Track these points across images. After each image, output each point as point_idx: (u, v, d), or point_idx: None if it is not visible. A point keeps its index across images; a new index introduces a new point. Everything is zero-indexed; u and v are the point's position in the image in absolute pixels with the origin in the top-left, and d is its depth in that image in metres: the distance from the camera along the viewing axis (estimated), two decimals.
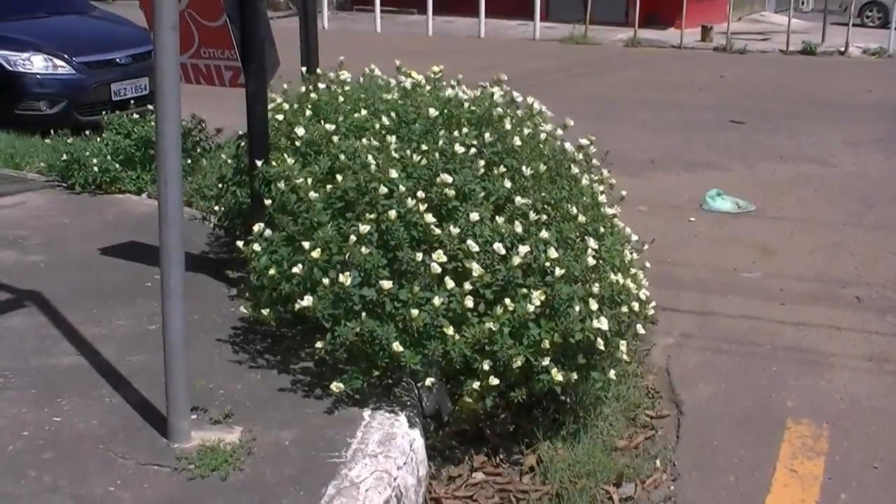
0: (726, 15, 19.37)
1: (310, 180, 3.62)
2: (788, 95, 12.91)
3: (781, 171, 8.66)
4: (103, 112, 6.91)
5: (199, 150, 6.40)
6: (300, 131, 3.90)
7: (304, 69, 4.84)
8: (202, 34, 4.40)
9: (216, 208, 4.94)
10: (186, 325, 3.12)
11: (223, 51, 4.36)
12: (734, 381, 4.47)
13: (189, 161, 6.10)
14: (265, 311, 3.51)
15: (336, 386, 3.36)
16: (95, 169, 6.23)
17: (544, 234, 3.52)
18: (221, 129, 6.54)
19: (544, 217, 3.70)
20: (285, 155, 3.86)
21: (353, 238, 3.31)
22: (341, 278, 3.29)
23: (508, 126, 4.06)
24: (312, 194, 3.55)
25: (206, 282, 4.61)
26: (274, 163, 3.88)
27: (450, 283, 3.34)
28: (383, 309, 3.33)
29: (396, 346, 3.26)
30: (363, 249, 3.32)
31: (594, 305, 3.41)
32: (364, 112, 4.13)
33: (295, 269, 3.42)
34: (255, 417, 3.30)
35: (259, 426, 3.24)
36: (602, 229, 3.96)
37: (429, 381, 3.40)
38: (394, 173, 3.54)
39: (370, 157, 3.63)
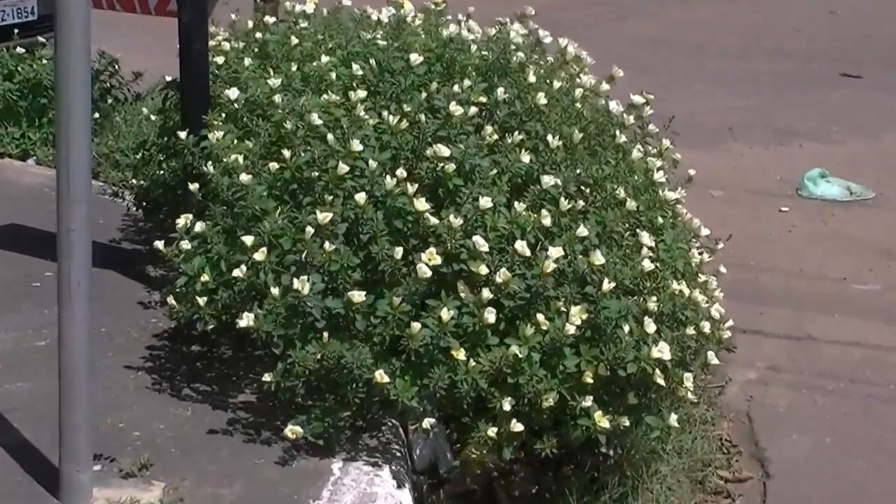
0: None
1: (241, 158, 3.68)
2: None
3: None
4: None
5: (109, 100, 6.39)
6: (232, 94, 3.97)
7: None
8: None
9: (133, 181, 4.97)
10: (91, 340, 3.10)
11: None
12: (842, 434, 4.47)
13: (97, 115, 6.07)
14: (201, 301, 3.56)
15: (292, 430, 3.39)
16: None
17: (582, 229, 3.56)
18: (141, 74, 6.51)
19: (581, 203, 3.74)
20: (216, 123, 3.93)
21: (310, 230, 3.38)
22: (296, 284, 3.33)
23: (532, 78, 4.07)
24: (245, 177, 3.61)
25: (119, 282, 4.60)
26: (213, 128, 3.92)
27: (463, 291, 3.41)
28: (353, 326, 3.39)
29: (380, 376, 3.30)
30: (326, 245, 3.39)
31: (651, 327, 3.45)
32: (327, 59, 4.15)
33: (236, 273, 3.45)
34: (183, 469, 3.31)
35: (188, 481, 3.25)
36: (660, 219, 4.01)
37: (427, 422, 3.43)
38: (358, 145, 3.58)
39: (322, 122, 3.68)
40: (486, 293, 3.34)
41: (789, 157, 8.10)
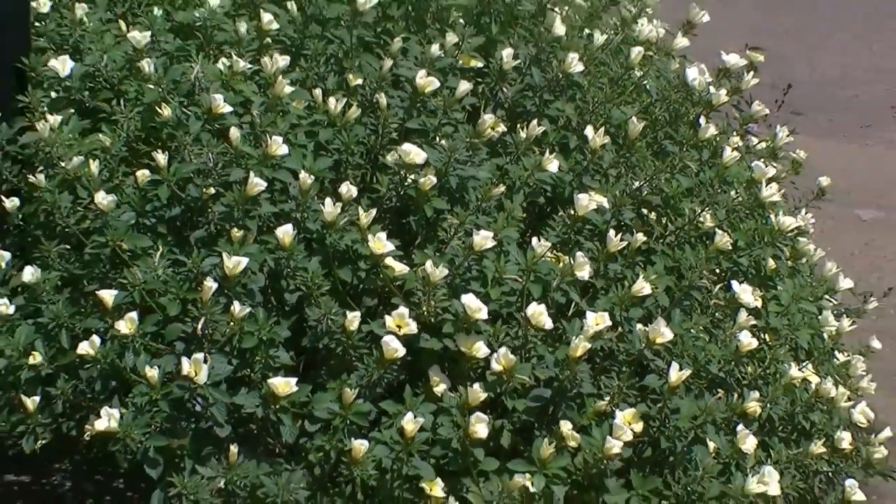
0: None
1: (94, 164, 3.70)
2: None
3: None
4: None
5: None
6: (61, 66, 4.02)
7: None
8: None
9: None
10: None
11: None
12: None
13: None
14: (30, 403, 3.56)
15: None
16: None
17: (642, 283, 3.65)
18: None
19: (641, 238, 3.83)
20: (45, 109, 3.95)
21: (209, 285, 3.46)
22: (186, 368, 3.39)
23: (559, 28, 4.17)
24: (104, 197, 3.63)
25: None
26: (39, 115, 3.94)
27: (438, 385, 3.52)
28: (278, 435, 3.49)
29: None
30: (234, 308, 3.46)
31: (750, 443, 3.55)
32: (217, 2, 4.21)
33: (84, 349, 3.50)
34: None
35: None
36: (772, 262, 4.13)
37: None
38: (281, 147, 3.63)
39: (224, 105, 3.74)
40: (478, 390, 3.44)
41: None
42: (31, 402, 3.55)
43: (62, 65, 4.01)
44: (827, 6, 10.52)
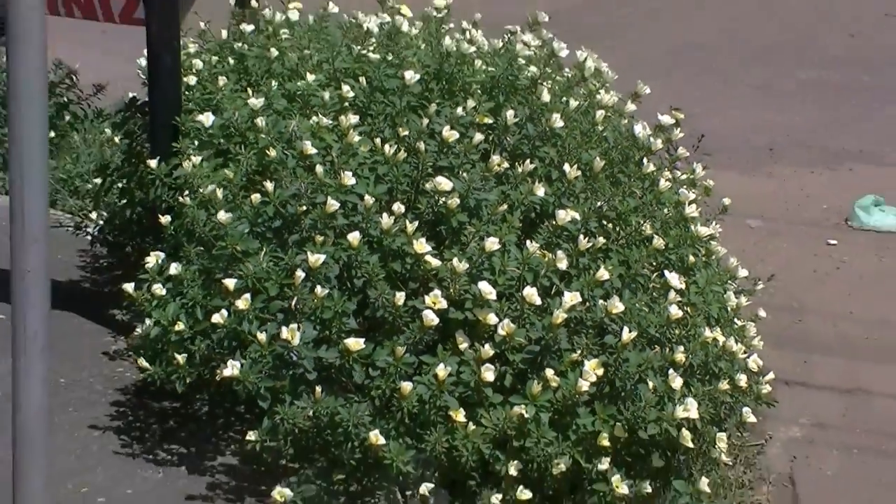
0: None
1: (219, 191, 3.76)
2: None
3: None
4: None
5: (67, 117, 6.37)
6: (206, 120, 4.08)
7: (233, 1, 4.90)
8: None
9: (93, 215, 5.02)
10: (49, 394, 3.06)
11: None
12: None
13: (53, 134, 6.05)
14: (180, 358, 3.63)
15: (280, 493, 3.43)
16: None
17: (603, 272, 3.67)
18: (104, 86, 6.54)
19: (602, 241, 3.83)
20: (190, 152, 4.00)
21: (299, 274, 3.50)
22: (285, 333, 3.43)
23: (545, 96, 4.20)
24: (223, 215, 3.69)
25: (80, 326, 4.64)
26: (189, 157, 3.97)
27: (462, 344, 3.52)
28: (350, 378, 3.49)
29: (375, 437, 3.38)
30: (317, 290, 3.49)
31: (677, 382, 3.55)
32: (313, 77, 4.24)
33: (215, 319, 3.55)
34: None
35: None
36: (692, 258, 4.12)
37: (424, 487, 3.48)
38: (350, 178, 3.67)
39: (311, 148, 3.77)
40: (488, 348, 3.45)
41: (838, 182, 8.04)
42: (181, 358, 3.63)
43: (206, 119, 4.05)
44: (727, 80, 10.58)
